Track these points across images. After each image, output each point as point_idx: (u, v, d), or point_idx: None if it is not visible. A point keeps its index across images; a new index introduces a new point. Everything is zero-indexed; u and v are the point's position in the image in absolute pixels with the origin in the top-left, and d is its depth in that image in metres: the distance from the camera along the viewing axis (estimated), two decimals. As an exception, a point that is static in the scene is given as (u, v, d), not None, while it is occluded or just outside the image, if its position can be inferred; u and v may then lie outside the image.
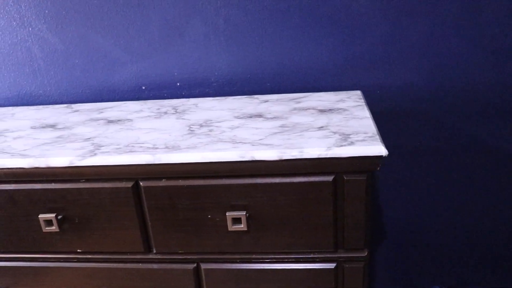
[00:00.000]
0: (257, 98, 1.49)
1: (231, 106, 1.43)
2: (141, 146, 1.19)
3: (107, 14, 1.53)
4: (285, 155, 1.11)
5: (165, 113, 1.43)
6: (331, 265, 1.23)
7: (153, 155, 1.14)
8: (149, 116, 1.41)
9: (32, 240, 1.28)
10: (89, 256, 1.29)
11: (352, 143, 1.11)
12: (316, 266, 1.23)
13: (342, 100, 1.41)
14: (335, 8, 1.47)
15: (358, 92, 1.48)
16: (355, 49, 1.51)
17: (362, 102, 1.39)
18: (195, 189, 1.17)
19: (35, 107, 1.60)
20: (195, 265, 1.26)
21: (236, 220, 1.17)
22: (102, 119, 1.42)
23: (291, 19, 1.49)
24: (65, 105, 1.59)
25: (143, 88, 1.60)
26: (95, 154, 1.17)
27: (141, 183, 1.18)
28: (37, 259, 1.31)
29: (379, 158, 1.10)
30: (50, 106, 1.59)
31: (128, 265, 1.28)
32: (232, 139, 1.19)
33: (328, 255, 1.22)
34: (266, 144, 1.14)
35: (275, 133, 1.21)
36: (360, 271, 1.23)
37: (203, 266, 1.25)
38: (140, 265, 1.28)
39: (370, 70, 1.52)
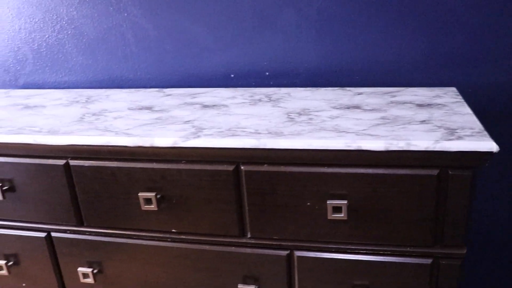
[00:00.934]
0: (350, 90, 1.48)
1: (325, 97, 1.43)
2: (243, 131, 1.21)
3: (201, 2, 1.56)
4: (392, 146, 1.10)
5: (260, 100, 1.44)
6: (427, 261, 1.21)
7: (258, 139, 1.15)
8: (243, 102, 1.43)
9: (129, 217, 1.31)
10: (183, 237, 1.31)
11: (460, 138, 1.10)
12: (412, 260, 1.21)
13: (438, 96, 1.40)
14: (429, 3, 1.45)
15: (453, 89, 1.45)
16: (448, 45, 1.48)
17: (460, 98, 1.37)
18: (296, 176, 1.17)
19: (126, 90, 1.64)
20: (288, 251, 1.26)
21: (336, 209, 1.17)
22: (197, 104, 1.44)
23: (384, 13, 1.48)
24: (156, 89, 1.62)
25: (232, 76, 1.62)
26: (199, 136, 1.19)
27: (242, 167, 1.20)
28: (132, 236, 1.35)
29: (488, 154, 1.08)
30: (141, 89, 1.63)
31: (221, 248, 1.30)
32: (334, 128, 1.19)
33: (425, 250, 1.20)
34: (371, 135, 1.14)
35: (378, 124, 1.20)
36: (457, 269, 1.21)
37: (297, 253, 1.26)
38: (232, 249, 1.29)
39: (462, 67, 1.50)
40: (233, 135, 1.18)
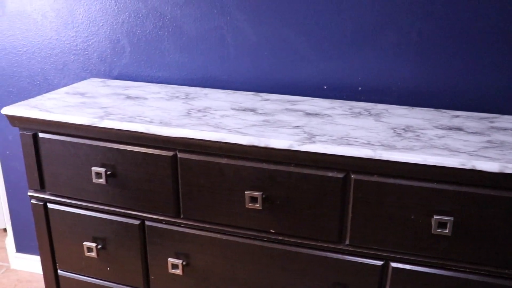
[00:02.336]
0: (445, 112, 1.52)
1: (424, 116, 1.47)
2: (356, 141, 1.25)
3: (304, 13, 1.61)
4: (506, 169, 1.13)
5: (360, 113, 1.48)
6: (525, 285, 1.24)
7: (373, 150, 1.19)
8: (344, 114, 1.47)
9: (229, 213, 1.36)
10: (280, 238, 1.35)
11: None
12: (509, 283, 1.24)
13: (536, 126, 1.43)
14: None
15: (549, 120, 1.49)
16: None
17: (559, 130, 1.40)
18: (404, 189, 1.21)
19: (222, 90, 1.69)
20: (383, 262, 1.30)
21: (441, 225, 1.20)
22: (299, 111, 1.49)
23: (482, 40, 1.52)
24: (252, 92, 1.67)
25: (325, 87, 1.66)
26: (314, 142, 1.23)
27: (352, 175, 1.24)
28: (228, 232, 1.39)
29: None
30: (237, 92, 1.68)
31: (316, 252, 1.33)
32: (445, 146, 1.23)
33: (525, 275, 1.23)
34: (483, 156, 1.17)
35: (486, 147, 1.24)
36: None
37: (392, 264, 1.29)
38: (328, 254, 1.33)
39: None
40: (347, 144, 1.22)
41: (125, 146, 1.40)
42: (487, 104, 1.56)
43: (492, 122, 1.45)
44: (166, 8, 1.71)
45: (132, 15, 1.75)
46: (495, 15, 1.49)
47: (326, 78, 1.66)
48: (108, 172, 1.42)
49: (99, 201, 1.48)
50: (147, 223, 1.46)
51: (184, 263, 1.45)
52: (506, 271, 1.23)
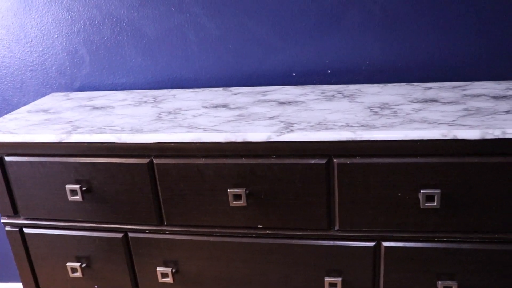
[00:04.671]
0: (418, 85, 1.51)
1: (398, 92, 1.46)
2: (334, 124, 1.23)
3: (264, 1, 1.58)
4: (487, 135, 1.13)
5: (333, 96, 1.46)
6: (515, 247, 1.24)
7: (353, 132, 1.17)
8: (318, 99, 1.45)
9: (214, 214, 1.32)
10: (269, 232, 1.32)
11: (552, 125, 1.13)
12: (500, 247, 1.24)
13: (508, 88, 1.43)
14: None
15: (519, 82, 1.50)
16: (505, 41, 1.52)
17: (530, 90, 1.41)
18: (389, 167, 1.20)
19: (190, 90, 1.65)
20: (375, 243, 1.28)
21: (429, 198, 1.19)
22: (271, 101, 1.46)
23: (447, 11, 1.51)
24: (221, 88, 1.63)
25: (293, 74, 1.64)
26: (292, 131, 1.20)
27: (335, 160, 1.21)
28: (215, 233, 1.35)
29: None
30: (206, 89, 1.64)
31: (307, 242, 1.31)
32: (424, 120, 1.22)
33: (514, 236, 1.23)
34: (463, 125, 1.16)
35: (464, 115, 1.23)
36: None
37: (384, 244, 1.27)
38: (319, 242, 1.31)
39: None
40: (326, 129, 1.20)
41: (98, 158, 1.34)
42: (458, 73, 1.56)
43: (464, 90, 1.45)
44: (122, 12, 1.65)
45: (88, 23, 1.68)
46: (455, -18, 1.49)
47: (294, 64, 1.63)
48: (83, 188, 1.36)
49: (78, 219, 1.42)
50: (130, 234, 1.41)
51: (173, 270, 1.41)
52: (496, 235, 1.23)
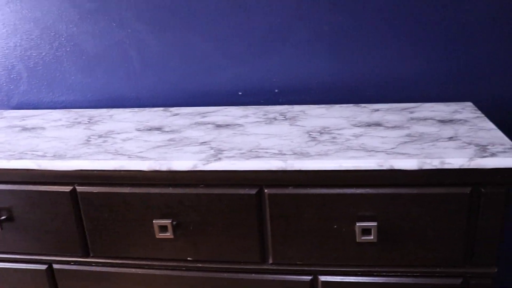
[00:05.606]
0: (365, 107, 1.44)
1: (343, 114, 1.38)
2: (266, 152, 1.15)
3: (209, 17, 1.50)
4: (425, 165, 1.06)
5: (275, 119, 1.38)
6: (457, 281, 1.16)
7: (284, 161, 1.09)
8: (258, 121, 1.37)
9: (141, 246, 1.23)
10: (200, 265, 1.23)
11: (494, 154, 1.06)
12: (442, 281, 1.17)
13: (457, 111, 1.36)
14: (441, 19, 1.42)
15: (470, 103, 1.43)
16: (461, 60, 1.46)
17: (479, 113, 1.34)
18: (323, 198, 1.12)
19: (130, 109, 1.56)
20: (311, 277, 1.20)
21: (365, 231, 1.12)
22: (209, 123, 1.38)
23: (396, 29, 1.45)
24: (162, 108, 1.55)
25: (240, 93, 1.56)
26: (220, 159, 1.12)
27: (266, 190, 1.13)
28: (143, 265, 1.27)
29: (524, 171, 1.04)
30: (145, 108, 1.56)
31: (240, 275, 1.23)
32: (361, 147, 1.14)
33: (455, 270, 1.16)
34: (402, 153, 1.09)
35: (405, 142, 1.16)
36: (488, 289, 1.17)
37: (321, 278, 1.19)
38: (253, 276, 1.22)
39: (476, 82, 1.47)
40: (256, 157, 1.12)
41: (18, 186, 1.25)
42: (406, 94, 1.49)
43: (412, 112, 1.38)
44: (61, 27, 1.57)
45: (24, 37, 1.60)
46: (406, 2, 1.42)
47: (241, 83, 1.55)
48: (3, 217, 1.27)
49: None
50: (55, 266, 1.32)
51: (102, 304, 1.32)
52: (438, 269, 1.15)
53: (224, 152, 1.16)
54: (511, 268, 1.71)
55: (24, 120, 1.54)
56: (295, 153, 1.13)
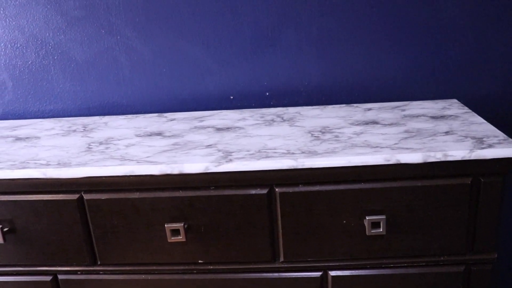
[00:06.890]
0: (357, 107, 1.49)
1: (338, 114, 1.43)
2: (275, 152, 1.17)
3: (199, 23, 1.52)
4: (430, 158, 1.11)
5: (273, 121, 1.41)
6: (460, 268, 1.23)
7: (295, 159, 1.12)
8: (257, 124, 1.39)
9: (151, 251, 1.23)
10: (210, 267, 1.25)
11: (491, 146, 1.13)
12: (446, 269, 1.22)
13: (445, 108, 1.44)
14: (423, 20, 1.50)
15: (455, 100, 1.50)
16: (445, 58, 1.53)
17: (467, 109, 1.42)
18: (333, 194, 1.16)
19: (123, 116, 1.55)
20: (321, 272, 1.24)
21: (375, 225, 1.16)
22: (208, 127, 1.39)
23: (381, 31, 1.51)
24: (156, 114, 1.55)
25: (231, 98, 1.58)
26: (231, 160, 1.14)
27: (276, 189, 1.16)
28: (153, 271, 1.26)
29: (519, 160, 1.12)
30: (139, 115, 1.55)
31: (251, 275, 1.25)
32: (366, 144, 1.19)
33: (458, 258, 1.22)
34: (406, 148, 1.14)
35: (406, 138, 1.21)
36: (488, 274, 1.24)
37: (331, 273, 1.23)
38: (264, 275, 1.25)
39: (459, 79, 1.55)
40: (266, 157, 1.14)
41: (21, 196, 1.22)
42: (394, 93, 1.55)
43: (404, 110, 1.44)
44: (47, 34, 1.54)
45: (9, 45, 1.56)
46: (390, 5, 1.48)
47: (232, 87, 1.58)
48: (5, 229, 1.24)
49: (1, 263, 1.30)
50: (60, 277, 1.30)
51: (110, 313, 1.31)
52: (442, 258, 1.21)
53: (233, 153, 1.18)
54: (508, 254, 1.79)
55: (14, 130, 1.50)
56: (303, 152, 1.16)
